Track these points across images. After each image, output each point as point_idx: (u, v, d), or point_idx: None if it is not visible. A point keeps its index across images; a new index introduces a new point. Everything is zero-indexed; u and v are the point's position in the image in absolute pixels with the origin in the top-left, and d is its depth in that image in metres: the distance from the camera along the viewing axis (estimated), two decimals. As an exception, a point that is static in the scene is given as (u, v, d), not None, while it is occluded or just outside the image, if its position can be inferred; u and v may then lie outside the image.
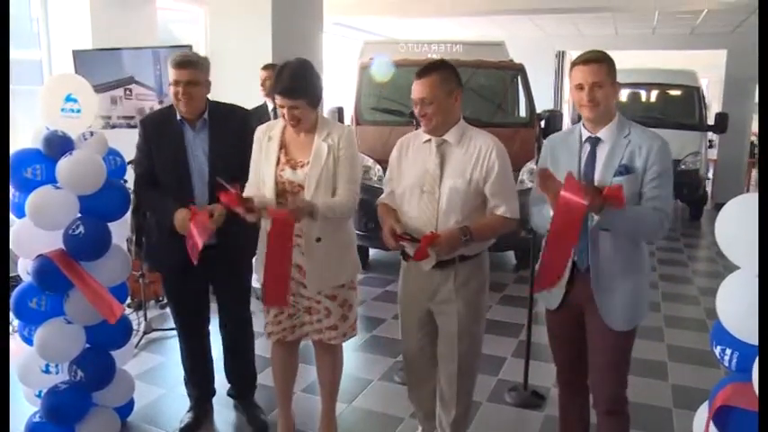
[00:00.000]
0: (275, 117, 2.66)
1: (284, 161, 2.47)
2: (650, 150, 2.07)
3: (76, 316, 2.64)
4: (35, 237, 2.59)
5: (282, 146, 2.49)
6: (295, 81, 2.35)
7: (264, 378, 3.18)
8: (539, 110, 6.19)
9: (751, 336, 1.49)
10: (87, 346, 2.72)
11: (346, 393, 3.23)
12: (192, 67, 2.58)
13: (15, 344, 2.87)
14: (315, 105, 2.43)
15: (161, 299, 4.59)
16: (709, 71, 12.83)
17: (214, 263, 2.62)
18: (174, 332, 3.15)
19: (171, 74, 2.58)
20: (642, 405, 3.07)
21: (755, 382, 1.44)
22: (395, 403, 3.22)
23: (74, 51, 4.55)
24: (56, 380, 2.71)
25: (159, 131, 2.72)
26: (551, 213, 2.04)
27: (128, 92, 4.48)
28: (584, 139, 2.18)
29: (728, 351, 1.59)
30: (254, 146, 2.54)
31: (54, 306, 2.65)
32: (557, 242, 2.07)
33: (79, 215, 2.62)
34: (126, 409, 2.99)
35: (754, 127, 9.98)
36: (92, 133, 2.75)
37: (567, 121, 9.11)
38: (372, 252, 5.85)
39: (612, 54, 2.17)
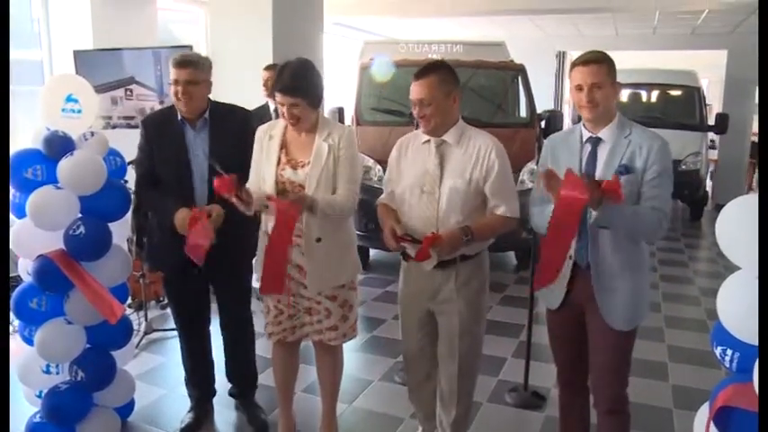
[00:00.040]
0: (277, 117, 2.66)
1: (285, 161, 2.47)
2: (650, 150, 2.07)
3: (77, 316, 2.64)
4: (35, 237, 2.59)
5: (283, 145, 2.50)
6: (295, 79, 2.36)
7: (265, 378, 3.18)
8: (539, 110, 6.19)
9: (751, 336, 1.49)
10: (88, 346, 2.72)
11: (347, 394, 3.23)
12: (192, 66, 2.59)
13: (16, 344, 2.87)
14: (315, 105, 2.43)
15: (161, 299, 4.59)
16: (710, 71, 12.84)
17: (214, 263, 2.62)
18: (175, 332, 3.15)
19: (171, 73, 2.60)
20: (642, 405, 3.07)
21: (756, 382, 1.44)
22: (395, 404, 3.22)
23: (74, 52, 4.56)
24: (56, 380, 2.71)
25: (160, 131, 2.72)
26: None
27: (128, 92, 4.48)
28: (584, 140, 2.19)
29: (729, 351, 1.59)
30: (255, 145, 2.54)
31: (54, 306, 2.65)
32: (556, 236, 2.08)
33: (80, 215, 2.62)
34: (126, 409, 2.99)
35: (755, 127, 9.98)
36: (92, 133, 2.75)
37: (567, 122, 9.10)
38: (373, 252, 5.85)
39: (613, 54, 2.17)
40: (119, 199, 2.77)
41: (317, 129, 2.46)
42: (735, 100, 9.66)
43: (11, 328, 3.10)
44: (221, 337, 3.01)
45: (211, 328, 3.02)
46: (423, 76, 2.27)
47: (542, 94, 8.83)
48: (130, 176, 2.91)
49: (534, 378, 3.41)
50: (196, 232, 2.48)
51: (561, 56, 12.03)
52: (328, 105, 5.49)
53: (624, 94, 9.22)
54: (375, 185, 4.80)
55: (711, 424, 1.59)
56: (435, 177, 2.34)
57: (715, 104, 11.52)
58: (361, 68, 6.04)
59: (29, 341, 2.72)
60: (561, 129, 5.82)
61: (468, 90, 5.86)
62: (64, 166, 2.56)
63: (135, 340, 3.59)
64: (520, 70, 6.12)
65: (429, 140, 2.37)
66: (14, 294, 2.66)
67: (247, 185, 2.50)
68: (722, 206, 1.61)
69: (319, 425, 2.82)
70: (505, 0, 7.94)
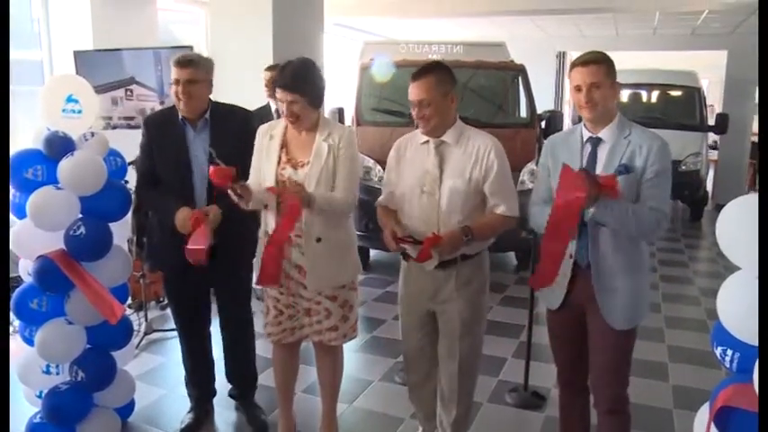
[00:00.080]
0: (278, 118, 2.66)
1: (285, 160, 2.48)
2: (650, 150, 2.07)
3: (77, 316, 2.64)
4: (36, 237, 2.60)
5: (284, 145, 2.50)
6: (296, 77, 2.37)
7: (265, 378, 3.18)
8: (539, 110, 6.19)
9: (752, 336, 1.48)
10: (88, 346, 2.72)
11: (347, 394, 3.23)
12: (193, 66, 2.59)
13: (16, 344, 2.88)
14: (315, 104, 2.44)
15: (162, 299, 4.59)
16: (710, 72, 12.84)
17: (215, 263, 2.62)
18: (175, 333, 3.15)
19: (172, 72, 2.61)
20: (643, 406, 3.07)
21: (756, 382, 1.43)
22: (395, 404, 3.22)
23: (75, 52, 4.56)
24: (56, 380, 2.71)
25: (162, 131, 2.72)
26: None
27: (128, 92, 4.49)
28: (584, 140, 2.19)
29: (729, 352, 1.59)
30: (256, 145, 2.54)
31: (55, 306, 2.65)
32: (555, 235, 2.08)
33: (80, 216, 2.62)
34: (126, 409, 2.99)
35: (755, 127, 9.98)
36: (93, 134, 2.76)
37: (567, 122, 9.10)
38: (373, 253, 5.85)
39: (613, 55, 2.17)
40: (119, 199, 2.77)
41: (318, 129, 2.47)
42: (735, 100, 9.66)
43: (11, 329, 3.10)
44: (221, 338, 3.01)
45: (212, 328, 3.02)
46: (420, 77, 2.28)
47: (543, 94, 8.84)
48: (131, 177, 2.91)
49: (534, 378, 3.41)
50: (197, 234, 2.49)
51: (562, 56, 12.02)
52: (328, 106, 5.49)
53: (624, 95, 9.23)
54: (375, 186, 4.80)
55: (712, 424, 1.59)
56: (435, 177, 2.34)
57: (715, 105, 11.53)
58: (362, 69, 6.04)
59: (29, 341, 2.72)
60: (561, 129, 5.82)
61: (468, 90, 5.87)
62: (64, 166, 2.56)
63: (135, 341, 3.59)
64: (520, 71, 6.12)
65: (428, 141, 2.37)
66: (15, 295, 2.66)
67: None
68: (722, 206, 1.61)
69: (319, 425, 2.82)
70: (506, 0, 7.94)
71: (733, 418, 1.55)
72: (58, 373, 2.75)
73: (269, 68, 4.19)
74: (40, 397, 2.73)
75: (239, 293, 2.93)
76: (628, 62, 10.26)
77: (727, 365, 1.62)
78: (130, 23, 5.24)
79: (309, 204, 2.33)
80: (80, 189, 2.60)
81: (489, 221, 2.35)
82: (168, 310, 4.09)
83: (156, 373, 3.62)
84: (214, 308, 2.97)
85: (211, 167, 2.30)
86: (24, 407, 2.83)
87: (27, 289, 2.67)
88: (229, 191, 2.29)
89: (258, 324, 2.91)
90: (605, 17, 9.15)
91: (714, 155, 10.24)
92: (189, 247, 2.48)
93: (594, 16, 9.01)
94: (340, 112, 5.71)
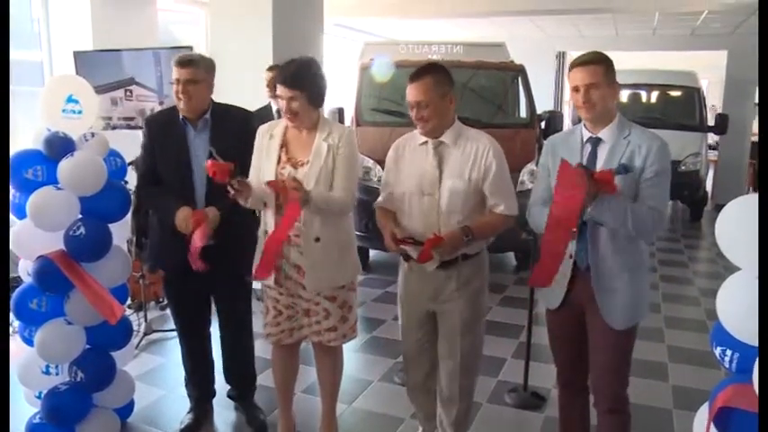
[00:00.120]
0: (279, 118, 2.67)
1: (285, 159, 2.48)
2: (650, 150, 2.08)
3: (77, 317, 2.64)
4: (36, 238, 2.60)
5: (284, 145, 2.50)
6: (297, 73, 2.38)
7: (265, 379, 3.18)
8: (539, 111, 6.19)
9: (751, 337, 1.49)
10: (87, 347, 2.72)
11: (346, 394, 3.23)
12: (193, 65, 2.60)
13: (16, 345, 2.87)
14: (315, 103, 2.44)
15: (161, 300, 4.59)
16: (710, 72, 12.84)
17: (214, 264, 2.62)
18: (174, 333, 3.15)
19: (173, 72, 2.62)
20: (642, 406, 3.07)
21: (756, 383, 1.44)
22: (395, 404, 3.22)
23: (74, 52, 4.56)
24: (56, 381, 2.71)
25: (163, 131, 2.73)
26: None
27: (128, 93, 4.49)
28: (584, 140, 2.19)
29: (729, 352, 1.59)
30: (256, 144, 2.55)
31: (54, 307, 2.65)
32: (554, 233, 2.07)
33: (80, 216, 2.62)
34: (126, 410, 2.99)
35: (755, 128, 9.98)
36: (93, 134, 2.76)
37: (567, 122, 9.10)
38: (372, 253, 5.85)
39: (613, 55, 2.17)
40: (119, 200, 2.77)
41: (318, 128, 2.47)
42: (735, 101, 9.67)
43: (11, 329, 3.10)
44: (220, 338, 3.01)
45: (211, 328, 3.02)
46: (418, 79, 2.28)
47: (542, 94, 8.84)
48: (131, 177, 2.91)
49: (534, 378, 3.41)
50: (197, 234, 2.50)
51: (561, 56, 12.03)
52: (328, 106, 5.49)
53: (624, 95, 9.23)
54: (375, 186, 4.79)
55: (711, 424, 1.59)
56: (434, 178, 2.34)
57: (716, 105, 11.53)
58: (362, 69, 6.04)
59: (29, 342, 2.72)
60: (561, 129, 5.82)
61: (468, 91, 5.88)
62: (64, 166, 2.56)
63: (135, 341, 3.59)
64: (520, 71, 6.12)
65: (426, 142, 2.37)
66: (14, 295, 2.66)
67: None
68: (722, 206, 1.61)
69: (319, 425, 2.82)
70: (506, 1, 7.94)
71: (732, 419, 1.55)
72: (57, 374, 2.75)
73: (270, 69, 4.20)
74: (39, 397, 2.73)
75: (239, 294, 2.93)
76: (627, 62, 10.27)
77: (727, 366, 1.62)
78: (130, 24, 5.24)
79: (306, 202, 2.33)
80: (80, 189, 2.61)
81: (489, 221, 2.36)
82: (168, 311, 4.09)
83: (156, 373, 3.62)
84: (214, 308, 2.97)
85: (209, 161, 2.30)
86: (24, 407, 2.83)
87: (27, 289, 2.67)
88: (228, 186, 2.30)
89: (257, 324, 2.91)
90: (605, 17, 9.15)
91: (714, 155, 10.24)
92: (192, 247, 2.49)
93: (594, 16, 9.01)
94: (340, 112, 5.71)
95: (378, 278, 5.52)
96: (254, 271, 2.50)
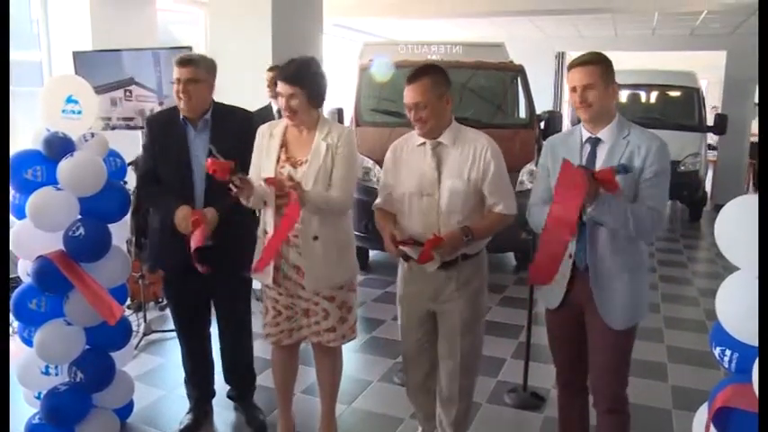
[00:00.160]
0: (280, 118, 2.68)
1: (284, 159, 2.49)
2: (649, 150, 2.08)
3: (76, 317, 2.64)
4: (35, 238, 2.60)
5: (284, 144, 2.51)
6: (298, 71, 2.39)
7: (264, 379, 3.18)
8: (538, 111, 6.20)
9: (750, 337, 1.49)
10: (87, 347, 2.72)
11: (346, 394, 3.23)
12: (193, 65, 2.61)
13: (15, 345, 2.87)
14: (315, 101, 2.44)
15: (160, 300, 4.59)
16: (709, 72, 12.84)
17: (214, 264, 2.62)
18: (174, 334, 3.15)
19: (174, 72, 2.62)
20: (642, 406, 3.07)
21: (755, 383, 1.44)
22: (395, 404, 3.22)
23: (74, 53, 4.55)
24: (55, 381, 2.71)
25: (164, 131, 2.74)
26: None
27: (128, 93, 4.48)
28: (584, 140, 2.20)
29: (728, 352, 1.59)
30: (256, 144, 2.55)
31: (54, 307, 2.65)
32: (555, 229, 2.07)
33: (79, 216, 2.62)
34: (125, 410, 2.99)
35: (754, 128, 9.98)
36: (92, 135, 2.76)
37: (566, 123, 9.11)
38: (372, 253, 5.84)
39: (612, 55, 2.17)
40: (118, 200, 2.77)
41: (318, 128, 2.48)
42: (734, 101, 9.67)
43: (10, 330, 3.10)
44: (219, 338, 3.00)
45: (211, 329, 3.01)
46: (415, 81, 2.28)
47: (542, 94, 8.84)
48: (130, 178, 2.91)
49: (533, 379, 3.41)
50: (196, 234, 2.50)
51: (561, 57, 12.03)
52: (328, 106, 5.49)
53: (623, 95, 9.23)
54: (374, 186, 4.78)
55: (711, 425, 1.59)
56: (434, 179, 2.35)
57: (717, 106, 11.52)
58: (361, 69, 6.04)
59: (28, 342, 2.72)
60: (560, 130, 5.83)
61: (467, 91, 5.88)
62: (64, 167, 2.56)
63: (134, 341, 3.58)
64: (519, 71, 6.12)
65: (424, 143, 2.38)
66: (14, 295, 2.66)
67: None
68: (721, 207, 1.61)
69: (318, 426, 2.82)
70: (505, 1, 7.94)
71: (732, 419, 1.56)
72: (56, 374, 2.75)
73: (271, 69, 4.20)
74: (38, 398, 2.73)
75: (239, 294, 2.93)
76: (627, 62, 10.28)
77: (726, 366, 1.62)
78: (130, 24, 5.24)
79: (302, 201, 2.34)
80: (79, 190, 2.61)
81: (488, 220, 2.37)
82: (167, 311, 4.09)
83: (155, 373, 3.62)
84: (214, 309, 2.97)
85: (209, 160, 2.30)
86: (23, 408, 2.83)
87: (26, 290, 2.67)
88: (230, 184, 2.30)
89: (257, 325, 2.91)
90: (604, 17, 9.15)
91: (713, 155, 10.24)
92: (193, 247, 2.49)
93: (593, 17, 9.01)
94: (339, 112, 5.71)
95: (377, 278, 5.52)
96: (253, 265, 2.51)
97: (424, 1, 8.04)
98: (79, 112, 2.69)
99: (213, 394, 3.11)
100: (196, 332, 2.97)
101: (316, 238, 2.45)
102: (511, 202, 2.37)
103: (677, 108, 9.10)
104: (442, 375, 2.52)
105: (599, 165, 2.14)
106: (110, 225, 2.69)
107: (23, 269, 2.73)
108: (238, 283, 2.88)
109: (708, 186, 9.59)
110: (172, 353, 3.76)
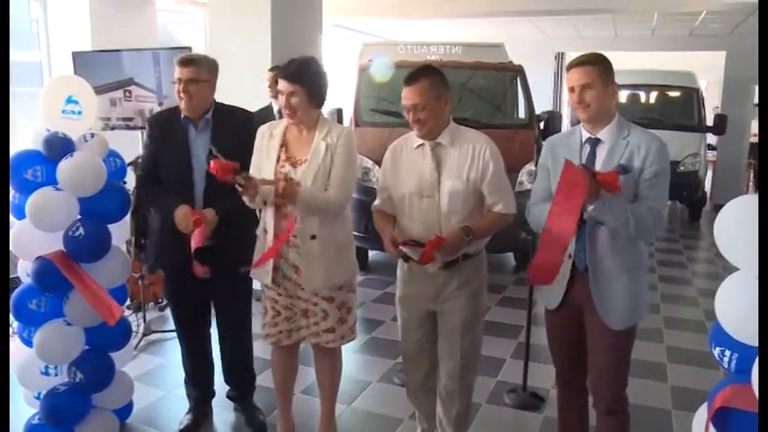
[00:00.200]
0: (281, 118, 2.68)
1: (284, 158, 2.49)
2: (649, 151, 2.08)
3: (76, 318, 2.63)
4: (35, 238, 2.59)
5: (284, 144, 2.51)
6: (299, 69, 2.40)
7: (264, 379, 3.18)
8: (538, 111, 6.20)
9: (750, 337, 1.49)
10: (86, 347, 2.72)
11: (346, 395, 3.23)
12: (195, 65, 2.61)
13: (15, 345, 2.87)
14: (315, 101, 2.45)
15: (160, 301, 4.59)
16: (709, 72, 12.85)
17: (214, 265, 2.62)
18: (173, 334, 3.15)
19: (175, 71, 2.63)
20: (641, 406, 3.07)
21: (755, 383, 1.44)
22: (394, 404, 3.22)
23: (73, 53, 4.55)
24: (55, 382, 2.71)
25: (165, 131, 2.74)
26: None
27: (127, 93, 4.47)
28: (583, 140, 2.20)
29: (728, 352, 1.59)
30: (256, 144, 2.56)
31: (53, 308, 2.65)
32: (556, 228, 2.07)
33: (79, 217, 2.62)
34: (125, 410, 2.99)
35: (754, 128, 9.99)
36: (92, 135, 2.76)
37: (566, 123, 9.11)
38: (372, 254, 5.84)
39: (612, 55, 2.17)
40: (118, 200, 2.77)
41: (317, 127, 2.48)
42: (733, 101, 9.67)
43: (10, 330, 3.10)
44: (219, 339, 3.00)
45: (211, 329, 3.01)
46: (413, 82, 2.29)
47: (541, 95, 8.84)
48: (130, 178, 2.91)
49: (533, 379, 3.41)
50: (197, 235, 2.50)
51: (560, 57, 12.04)
52: (327, 107, 5.49)
53: (623, 95, 9.24)
54: (374, 186, 4.78)
55: (710, 425, 1.59)
56: (433, 180, 2.35)
57: (717, 106, 11.53)
58: (360, 70, 6.04)
59: (28, 343, 2.72)
60: (560, 130, 5.83)
61: (467, 91, 5.88)
62: (64, 167, 2.56)
63: (133, 342, 3.58)
64: (518, 71, 6.13)
65: (423, 144, 2.38)
66: (14, 296, 2.66)
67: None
68: (721, 207, 1.61)
69: (318, 426, 2.82)
70: (504, 1, 7.95)
71: (731, 419, 1.56)
72: (56, 375, 2.75)
73: (272, 69, 4.20)
74: (38, 398, 2.73)
75: (239, 295, 2.92)
76: (626, 63, 10.28)
77: (726, 366, 1.62)
78: (129, 24, 5.24)
79: (293, 195, 2.35)
80: (79, 190, 2.60)
81: (488, 220, 2.38)
82: (167, 312, 4.09)
83: (155, 374, 3.62)
84: (213, 309, 2.97)
85: (212, 161, 2.30)
86: (23, 408, 2.83)
87: (26, 290, 2.67)
88: (235, 184, 2.30)
89: (257, 325, 2.91)
90: (603, 18, 9.16)
91: (712, 155, 10.25)
92: (194, 248, 2.50)
93: (593, 17, 9.02)
94: (339, 112, 5.71)
95: (377, 279, 5.52)
96: (254, 262, 2.52)
97: (423, 1, 8.04)
98: (79, 113, 2.69)
99: (213, 395, 3.11)
100: (196, 332, 2.97)
101: (314, 237, 2.45)
102: (510, 202, 2.38)
103: (677, 108, 9.11)
104: (442, 375, 2.53)
105: (598, 165, 2.14)
106: (109, 225, 2.69)
107: (23, 269, 2.73)
108: (238, 283, 2.88)
109: (707, 186, 9.59)
110: (171, 353, 3.76)
